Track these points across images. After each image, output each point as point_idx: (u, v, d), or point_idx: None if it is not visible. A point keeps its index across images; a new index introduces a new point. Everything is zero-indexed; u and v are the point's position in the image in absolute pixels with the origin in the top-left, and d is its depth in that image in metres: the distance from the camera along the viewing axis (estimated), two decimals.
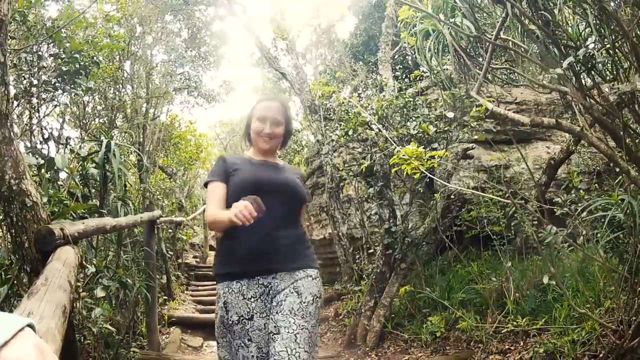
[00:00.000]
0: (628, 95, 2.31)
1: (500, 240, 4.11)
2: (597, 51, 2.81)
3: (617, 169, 2.74)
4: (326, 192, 5.97)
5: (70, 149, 4.17)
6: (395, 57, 7.75)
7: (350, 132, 4.53)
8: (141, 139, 8.39)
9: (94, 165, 3.36)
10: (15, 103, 4.47)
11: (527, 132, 5.37)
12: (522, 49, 3.31)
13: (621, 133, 2.44)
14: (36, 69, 4.55)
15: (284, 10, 9.37)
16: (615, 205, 2.69)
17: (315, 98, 6.27)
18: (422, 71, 5.68)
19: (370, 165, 4.69)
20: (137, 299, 4.11)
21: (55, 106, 5.54)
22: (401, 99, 4.52)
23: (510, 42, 3.45)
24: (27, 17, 4.31)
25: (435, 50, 3.80)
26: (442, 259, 5.12)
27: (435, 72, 4.22)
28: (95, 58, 5.00)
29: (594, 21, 2.69)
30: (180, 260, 8.38)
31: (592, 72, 2.81)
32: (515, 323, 3.35)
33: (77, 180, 3.24)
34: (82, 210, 2.73)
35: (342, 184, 5.99)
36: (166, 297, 6.11)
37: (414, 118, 4.35)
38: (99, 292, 2.79)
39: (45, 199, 2.38)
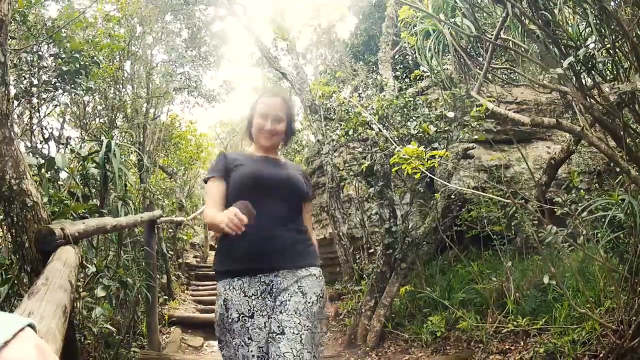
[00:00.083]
0: (628, 95, 2.31)
1: (500, 240, 4.11)
2: (598, 51, 2.81)
3: (618, 169, 2.74)
4: (327, 192, 5.97)
5: (70, 149, 4.17)
6: (396, 56, 7.75)
7: (350, 132, 4.53)
8: (141, 139, 8.39)
9: (94, 165, 3.36)
10: (16, 103, 4.47)
11: (528, 131, 5.37)
12: (523, 49, 3.31)
13: (621, 133, 2.43)
14: (36, 68, 4.55)
15: (284, 10, 9.36)
16: (615, 205, 2.68)
17: (315, 98, 6.26)
18: (423, 71, 5.68)
19: (371, 165, 4.69)
20: (137, 298, 4.12)
21: (56, 106, 5.55)
22: (401, 99, 4.52)
23: (511, 42, 3.45)
24: (27, 17, 4.32)
25: (436, 50, 3.80)
26: (443, 258, 5.12)
27: (435, 71, 4.22)
28: (95, 58, 5.00)
29: (594, 21, 2.69)
30: (180, 260, 8.39)
31: (593, 72, 2.81)
32: (515, 323, 3.35)
33: (77, 180, 3.24)
34: (83, 210, 2.74)
35: (342, 183, 5.99)
36: (166, 297, 6.12)
37: (414, 118, 4.35)
38: (100, 292, 2.79)
39: (45, 199, 2.38)
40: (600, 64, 2.84)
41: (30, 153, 3.56)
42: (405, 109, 4.50)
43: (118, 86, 7.78)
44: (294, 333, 1.69)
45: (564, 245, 2.81)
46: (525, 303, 3.60)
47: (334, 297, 5.98)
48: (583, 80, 2.82)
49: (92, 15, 6.79)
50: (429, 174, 3.00)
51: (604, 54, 2.88)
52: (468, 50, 3.95)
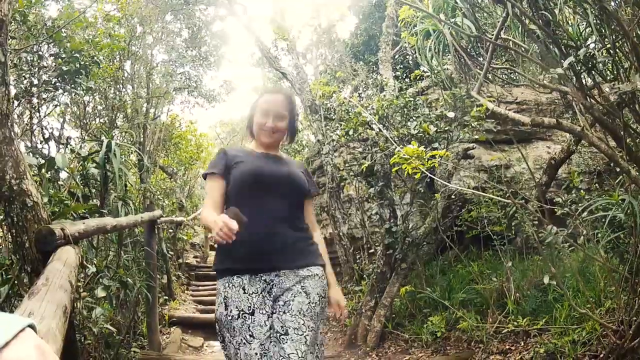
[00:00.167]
0: (628, 95, 2.31)
1: (500, 240, 4.11)
2: (598, 51, 2.81)
3: (618, 169, 2.74)
4: (327, 192, 5.97)
5: (70, 149, 4.17)
6: (396, 56, 7.75)
7: (350, 132, 4.53)
8: (142, 139, 8.39)
9: (94, 165, 3.35)
10: (16, 103, 4.47)
11: (528, 132, 5.37)
12: (523, 49, 3.31)
13: (622, 133, 2.43)
14: (36, 68, 4.55)
15: (284, 10, 9.35)
16: (615, 205, 2.68)
17: (315, 98, 6.26)
18: (423, 71, 5.67)
19: (371, 165, 4.68)
20: (137, 299, 4.11)
21: (56, 106, 5.55)
22: (402, 99, 4.52)
23: (511, 42, 3.45)
24: (27, 17, 4.31)
25: (436, 50, 3.80)
26: (443, 259, 5.12)
27: (435, 71, 4.22)
28: (95, 58, 5.00)
29: (595, 21, 2.69)
30: (180, 260, 8.39)
31: (593, 72, 2.81)
32: (515, 323, 3.35)
33: (77, 180, 3.24)
34: (83, 210, 2.73)
35: (342, 183, 5.99)
36: (167, 297, 6.12)
37: (414, 118, 4.34)
38: (100, 292, 2.79)
39: (45, 199, 2.38)
40: (600, 64, 2.84)
41: (31, 153, 3.55)
42: (405, 109, 4.50)
43: (118, 86, 7.78)
44: (298, 334, 1.67)
45: (564, 245, 2.81)
46: (525, 303, 3.60)
47: None
48: (583, 80, 2.82)
49: (92, 15, 6.79)
50: (429, 174, 3.00)
51: (604, 54, 2.88)
52: (468, 50, 3.95)
